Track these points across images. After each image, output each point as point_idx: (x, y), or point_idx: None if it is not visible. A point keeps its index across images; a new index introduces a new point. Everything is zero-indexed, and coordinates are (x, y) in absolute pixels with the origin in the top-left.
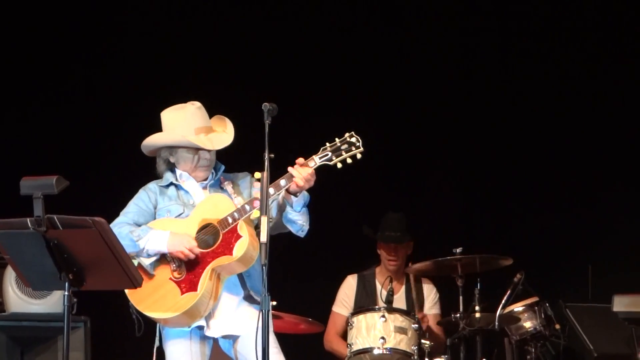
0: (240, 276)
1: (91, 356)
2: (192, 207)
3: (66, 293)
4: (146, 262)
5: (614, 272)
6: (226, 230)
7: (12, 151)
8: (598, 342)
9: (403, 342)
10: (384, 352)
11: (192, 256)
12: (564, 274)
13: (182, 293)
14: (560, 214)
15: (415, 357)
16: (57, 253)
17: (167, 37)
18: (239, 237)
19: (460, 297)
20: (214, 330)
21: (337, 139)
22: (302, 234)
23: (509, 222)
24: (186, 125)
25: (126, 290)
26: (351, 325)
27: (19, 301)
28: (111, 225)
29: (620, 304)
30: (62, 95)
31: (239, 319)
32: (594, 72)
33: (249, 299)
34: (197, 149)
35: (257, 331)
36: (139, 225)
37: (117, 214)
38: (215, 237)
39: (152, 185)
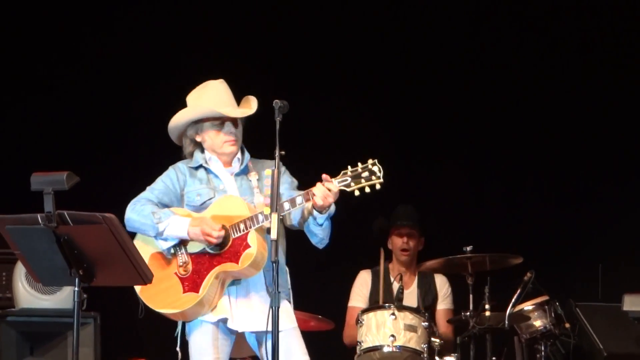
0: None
1: (101, 352)
2: (221, 193)
3: (76, 289)
4: (164, 245)
5: (625, 271)
6: (237, 236)
7: (22, 146)
8: (608, 342)
9: (413, 340)
10: (394, 349)
11: (215, 241)
12: (574, 272)
13: (184, 291)
14: (570, 212)
15: (425, 355)
16: (67, 249)
17: (181, 27)
18: (247, 246)
19: (470, 296)
20: (238, 324)
21: (359, 165)
22: (320, 246)
23: (519, 221)
24: (209, 98)
25: None
26: (361, 322)
27: (29, 297)
28: (135, 199)
29: (631, 303)
30: (71, 90)
31: (263, 314)
32: (611, 66)
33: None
34: (222, 123)
35: (267, 327)
36: (163, 204)
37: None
38: (225, 241)
39: (182, 166)
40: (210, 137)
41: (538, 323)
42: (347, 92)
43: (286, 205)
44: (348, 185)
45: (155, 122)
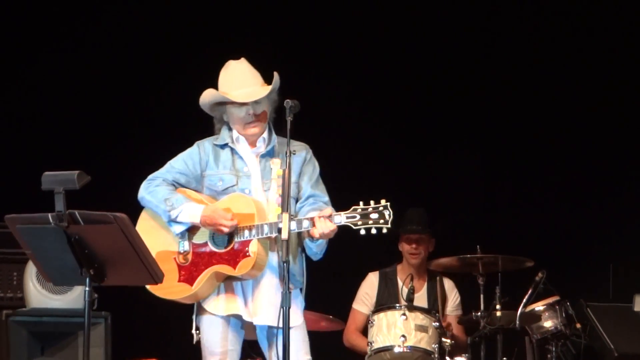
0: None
1: (111, 352)
2: (244, 178)
3: (87, 288)
4: (176, 230)
5: (636, 272)
6: (240, 240)
7: (33, 145)
8: (619, 342)
9: (424, 341)
10: (405, 350)
11: (228, 231)
12: (585, 273)
13: (179, 280)
14: (581, 212)
15: (436, 355)
16: (78, 248)
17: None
18: (246, 255)
19: (481, 296)
20: (250, 316)
21: (371, 203)
22: (314, 259)
23: (530, 221)
24: (225, 80)
25: None
26: (372, 323)
27: (40, 296)
28: (151, 176)
29: None
30: (81, 88)
31: (275, 308)
32: (622, 67)
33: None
34: (241, 104)
35: (278, 326)
36: (180, 184)
37: (137, 208)
38: (229, 241)
39: (207, 145)
40: (234, 118)
41: (549, 323)
42: (356, 94)
43: (293, 225)
44: (355, 223)
45: (165, 119)
